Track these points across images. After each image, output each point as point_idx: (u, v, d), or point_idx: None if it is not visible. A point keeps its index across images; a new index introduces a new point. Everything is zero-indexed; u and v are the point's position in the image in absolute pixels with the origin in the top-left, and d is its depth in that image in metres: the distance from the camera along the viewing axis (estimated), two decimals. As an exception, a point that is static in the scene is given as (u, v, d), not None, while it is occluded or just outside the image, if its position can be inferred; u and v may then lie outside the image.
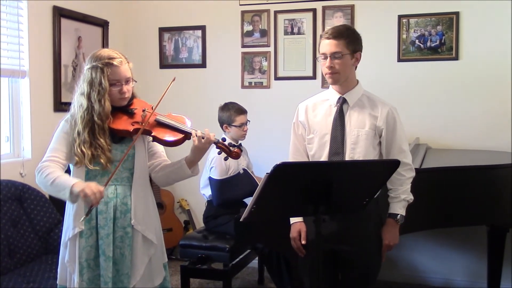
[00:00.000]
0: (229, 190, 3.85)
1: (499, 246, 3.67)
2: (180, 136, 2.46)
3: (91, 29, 4.67)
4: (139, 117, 2.48)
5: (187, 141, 2.49)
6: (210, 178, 3.88)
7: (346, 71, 2.57)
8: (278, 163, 2.06)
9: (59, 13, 4.25)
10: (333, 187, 2.14)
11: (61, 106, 4.27)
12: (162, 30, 5.04)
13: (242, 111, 3.96)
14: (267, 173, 2.04)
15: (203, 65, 4.93)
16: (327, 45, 2.52)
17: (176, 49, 5.01)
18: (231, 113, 3.92)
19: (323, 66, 2.57)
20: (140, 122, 2.46)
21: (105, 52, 2.46)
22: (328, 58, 2.52)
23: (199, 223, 4.90)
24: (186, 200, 5.04)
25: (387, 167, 2.28)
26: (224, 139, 2.50)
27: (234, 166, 3.91)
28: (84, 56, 4.53)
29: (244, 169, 3.95)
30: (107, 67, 2.40)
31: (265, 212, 2.27)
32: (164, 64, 5.05)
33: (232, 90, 4.80)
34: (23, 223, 3.50)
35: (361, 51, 2.60)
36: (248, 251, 4.03)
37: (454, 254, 4.35)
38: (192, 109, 4.75)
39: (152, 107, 2.53)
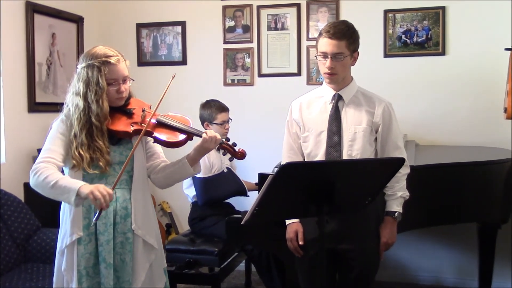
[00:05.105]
0: (213, 189, 3.77)
1: (491, 244, 3.66)
2: (182, 136, 2.41)
3: (66, 25, 4.51)
4: (139, 118, 2.41)
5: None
6: (193, 177, 3.76)
7: (345, 72, 2.57)
8: (284, 163, 2.11)
9: (32, 9, 4.10)
10: (337, 187, 2.11)
11: (35, 106, 4.14)
12: (139, 26, 4.91)
13: (223, 108, 3.88)
14: (271, 174, 2.02)
15: (183, 62, 4.82)
16: (328, 45, 2.48)
17: (154, 46, 4.89)
18: (212, 110, 3.84)
19: (322, 65, 2.54)
20: (139, 123, 2.39)
21: (101, 49, 2.37)
22: (329, 59, 2.49)
23: (182, 226, 4.81)
24: (167, 203, 4.92)
25: (391, 165, 2.24)
26: (228, 139, 2.45)
27: (217, 164, 3.84)
28: (58, 54, 4.41)
29: (228, 168, 3.89)
30: (104, 66, 2.32)
31: (267, 214, 2.24)
32: (142, 61, 4.92)
33: (214, 88, 4.70)
34: (0, 230, 3.32)
35: (358, 50, 2.58)
36: (236, 254, 3.93)
37: (443, 252, 4.34)
38: (172, 108, 4.53)
39: (150, 107, 2.47)
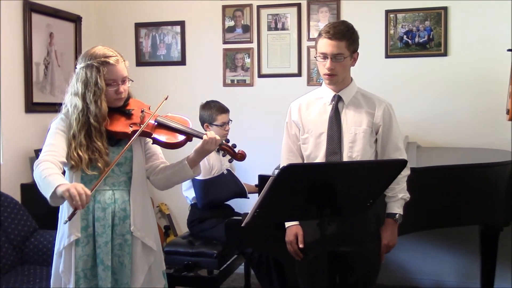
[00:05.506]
0: (213, 191, 3.73)
1: (493, 246, 3.61)
2: (182, 137, 2.38)
3: (64, 24, 4.47)
4: (138, 118, 2.38)
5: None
6: (193, 179, 3.72)
7: (345, 72, 2.54)
8: (285, 165, 2.03)
9: (30, 8, 4.06)
10: (339, 189, 2.10)
11: (33, 106, 4.10)
12: (138, 26, 4.86)
13: (224, 109, 3.83)
14: (272, 176, 1.99)
15: (182, 62, 4.78)
16: (328, 46, 2.46)
17: (153, 46, 4.85)
18: (212, 111, 3.79)
19: (321, 66, 2.52)
20: (139, 124, 2.36)
21: (100, 50, 2.35)
22: (329, 60, 2.46)
23: (180, 228, 4.76)
24: (166, 205, 4.87)
25: (393, 167, 2.22)
26: (227, 141, 2.42)
27: (217, 166, 3.79)
28: (56, 54, 4.37)
29: (228, 170, 3.85)
30: (103, 66, 2.29)
31: (268, 216, 2.22)
32: (141, 61, 4.87)
33: (213, 89, 4.65)
34: (-4, 232, 3.30)
35: (357, 50, 2.56)
36: (235, 256, 3.90)
37: (445, 254, 4.30)
38: (171, 109, 4.52)
39: (150, 108, 2.44)
